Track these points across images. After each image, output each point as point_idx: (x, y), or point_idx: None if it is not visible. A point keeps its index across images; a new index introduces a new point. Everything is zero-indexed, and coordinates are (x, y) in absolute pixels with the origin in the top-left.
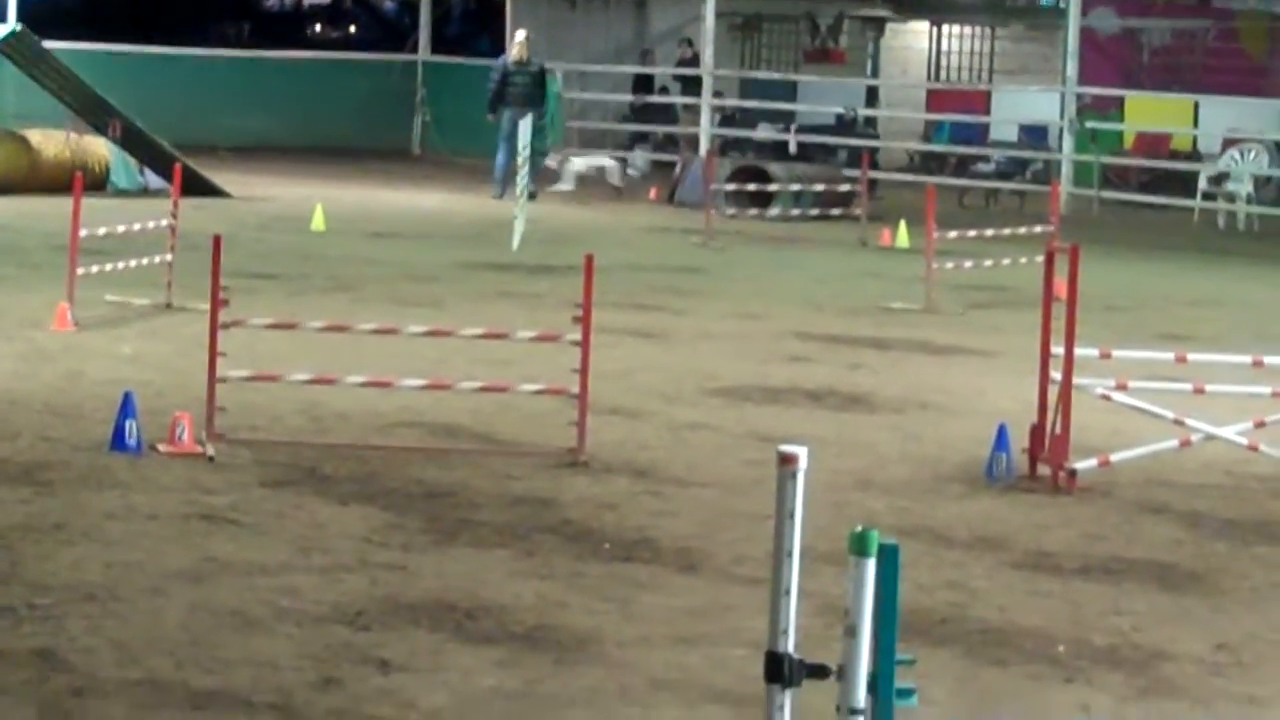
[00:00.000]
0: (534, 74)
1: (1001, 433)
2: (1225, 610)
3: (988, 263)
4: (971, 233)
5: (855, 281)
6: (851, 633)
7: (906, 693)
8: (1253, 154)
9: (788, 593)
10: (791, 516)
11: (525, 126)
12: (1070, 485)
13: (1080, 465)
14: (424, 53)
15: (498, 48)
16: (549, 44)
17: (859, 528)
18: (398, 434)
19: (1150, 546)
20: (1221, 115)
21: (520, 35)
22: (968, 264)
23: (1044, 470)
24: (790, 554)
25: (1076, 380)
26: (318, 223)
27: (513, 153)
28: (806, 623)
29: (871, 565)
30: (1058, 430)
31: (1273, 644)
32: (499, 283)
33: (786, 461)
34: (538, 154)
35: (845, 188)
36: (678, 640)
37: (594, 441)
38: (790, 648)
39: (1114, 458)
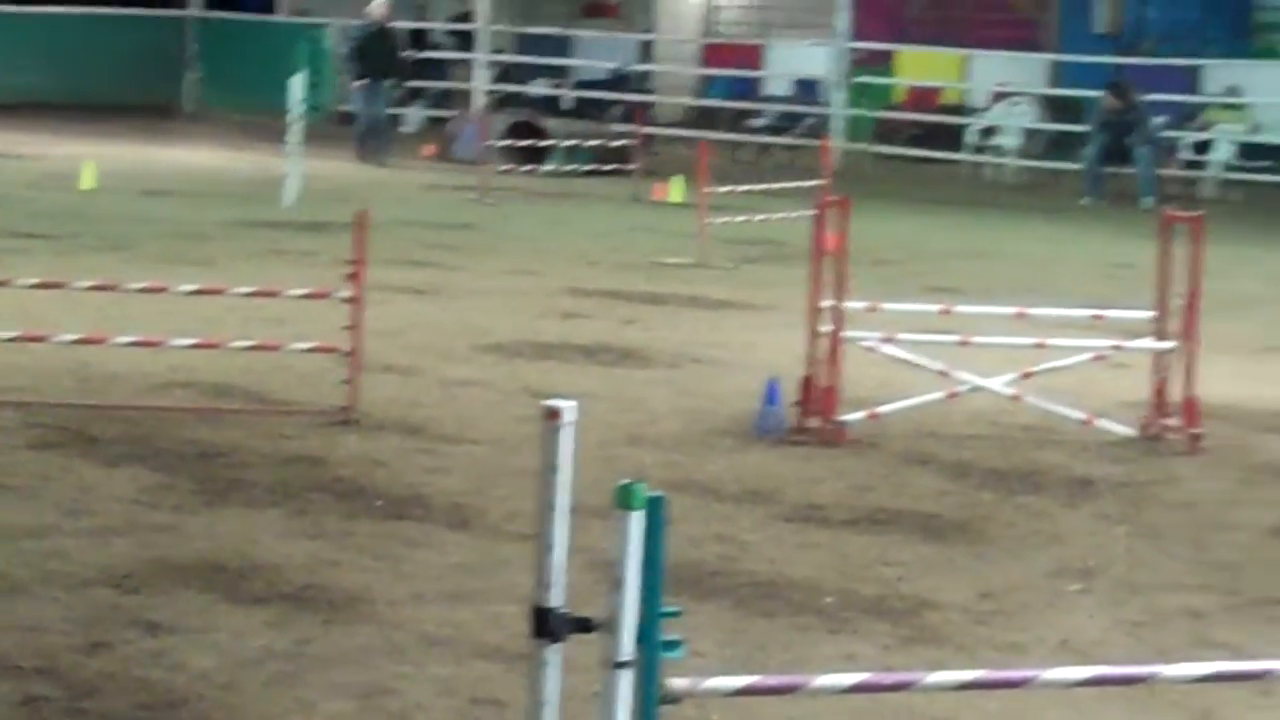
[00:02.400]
0: (394, 37)
1: (772, 386)
2: (989, 559)
3: (760, 217)
4: (744, 188)
5: (629, 237)
6: (618, 585)
7: (673, 644)
8: (1020, 107)
9: (553, 548)
10: (557, 471)
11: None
12: (839, 437)
13: (849, 418)
14: (195, 8)
15: (269, 3)
16: None
17: (625, 481)
18: (169, 394)
19: (917, 497)
20: (990, 69)
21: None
22: (740, 219)
23: (814, 423)
24: (555, 508)
25: (845, 333)
26: (88, 181)
27: (374, 115)
28: (577, 578)
29: (637, 518)
30: (827, 383)
31: (1035, 591)
32: (272, 240)
33: (552, 416)
34: (312, 110)
35: (620, 143)
36: (449, 597)
37: (366, 399)
38: (557, 602)
39: (882, 410)
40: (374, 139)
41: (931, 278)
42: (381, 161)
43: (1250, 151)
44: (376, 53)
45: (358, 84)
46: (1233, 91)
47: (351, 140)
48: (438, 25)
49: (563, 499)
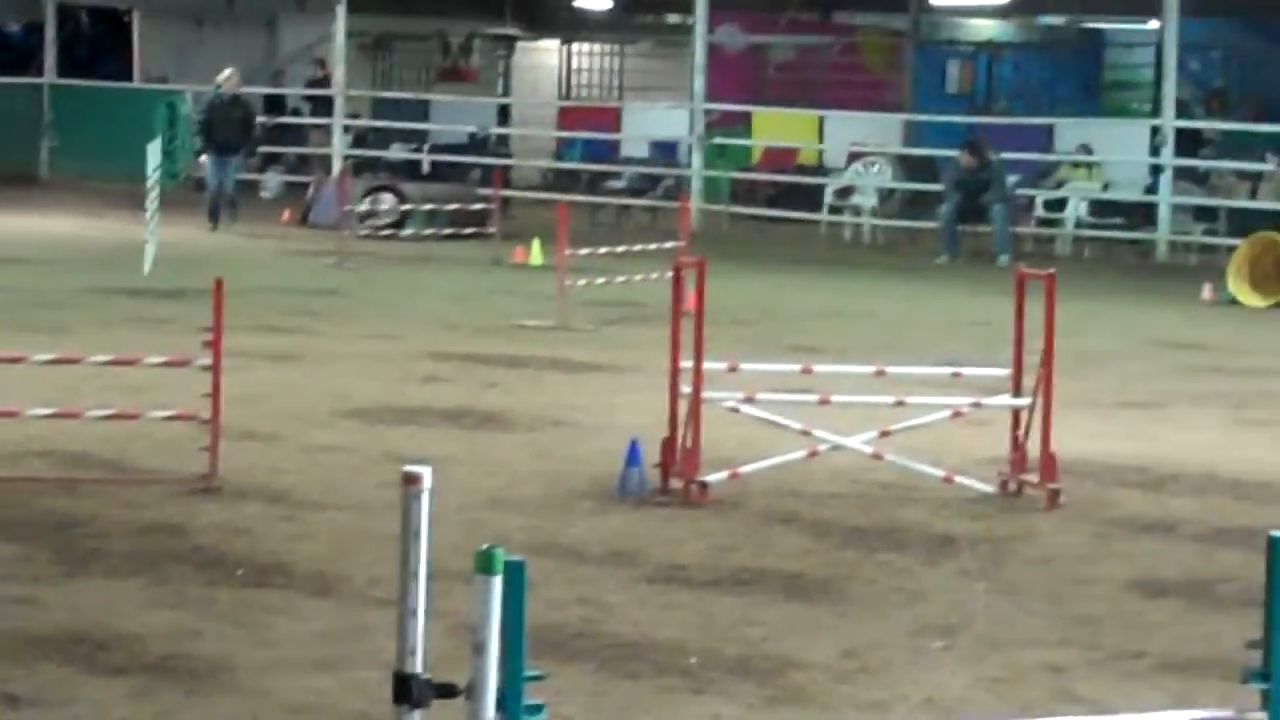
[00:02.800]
0: (245, 107)
1: (633, 448)
2: (852, 617)
3: (620, 279)
4: (604, 249)
5: (489, 300)
6: (479, 650)
7: (535, 709)
8: (876, 167)
9: (415, 613)
10: (417, 536)
11: (235, 163)
12: (701, 498)
13: (711, 478)
14: (50, 75)
15: (126, 70)
16: (177, 65)
17: (484, 546)
18: (26, 464)
19: (780, 556)
20: (846, 130)
21: (230, 70)
22: (600, 281)
23: (676, 484)
24: (416, 574)
25: (706, 394)
26: None
27: (222, 184)
28: (439, 643)
29: (497, 582)
30: (688, 444)
31: (898, 649)
32: (130, 308)
33: (411, 481)
34: (168, 177)
35: (478, 206)
36: (312, 665)
37: (227, 467)
38: (418, 668)
39: (744, 470)
40: (224, 208)
41: (791, 337)
42: (231, 222)
43: (1102, 208)
44: (225, 123)
45: (206, 154)
46: (1085, 150)
47: (206, 211)
48: (295, 91)
49: (423, 565)
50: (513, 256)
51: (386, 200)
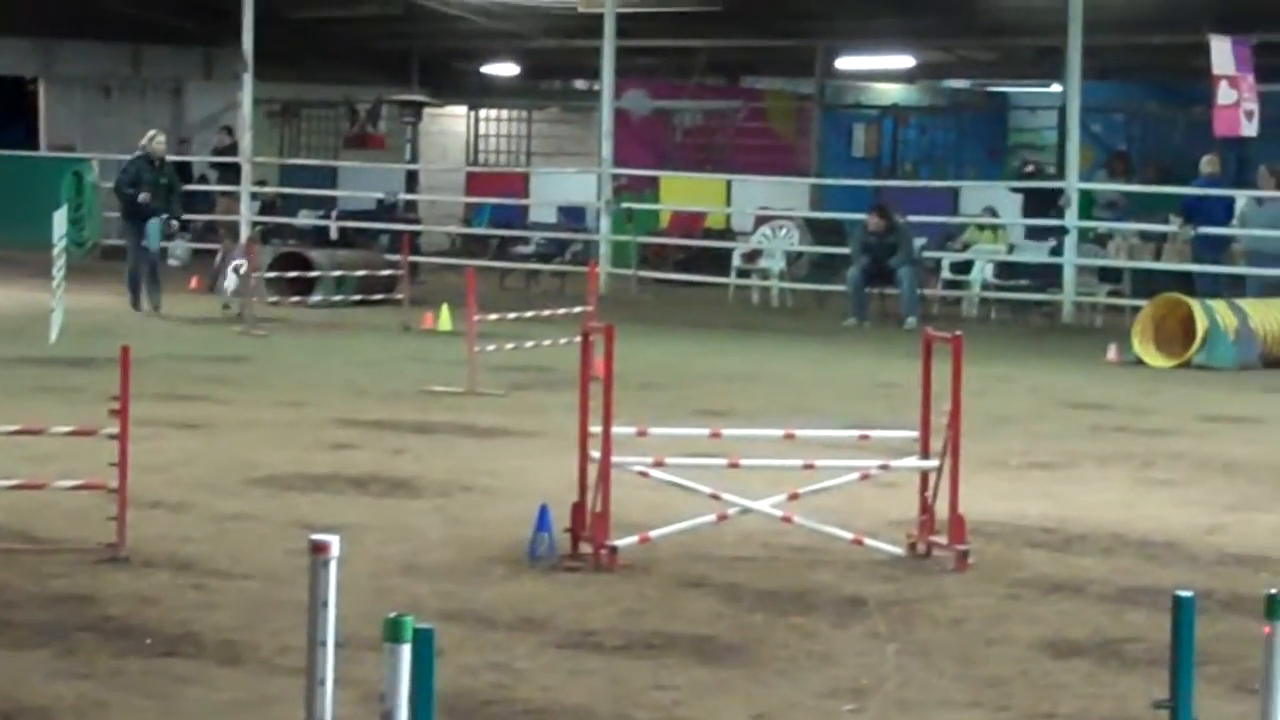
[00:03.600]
0: (169, 171)
1: (543, 513)
2: (763, 680)
3: (529, 344)
4: (512, 315)
5: (398, 366)
6: (388, 718)
7: None
8: (784, 231)
9: (323, 682)
10: (325, 605)
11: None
12: (612, 563)
13: (621, 543)
14: None
15: (32, 137)
16: (85, 133)
17: (393, 614)
18: None
19: (691, 620)
20: (753, 193)
21: (155, 131)
22: (509, 345)
23: (586, 549)
24: (324, 643)
25: (615, 459)
26: None
27: (141, 255)
28: (350, 710)
29: (406, 650)
30: (598, 509)
31: (808, 712)
32: (36, 377)
33: (318, 550)
34: (75, 245)
35: (387, 272)
36: None
37: (135, 536)
38: None
39: (653, 534)
40: (145, 282)
41: (700, 401)
42: (155, 304)
43: (1008, 270)
44: (151, 187)
45: (127, 221)
46: (990, 212)
47: (125, 281)
48: (202, 158)
49: (331, 633)
50: (422, 322)
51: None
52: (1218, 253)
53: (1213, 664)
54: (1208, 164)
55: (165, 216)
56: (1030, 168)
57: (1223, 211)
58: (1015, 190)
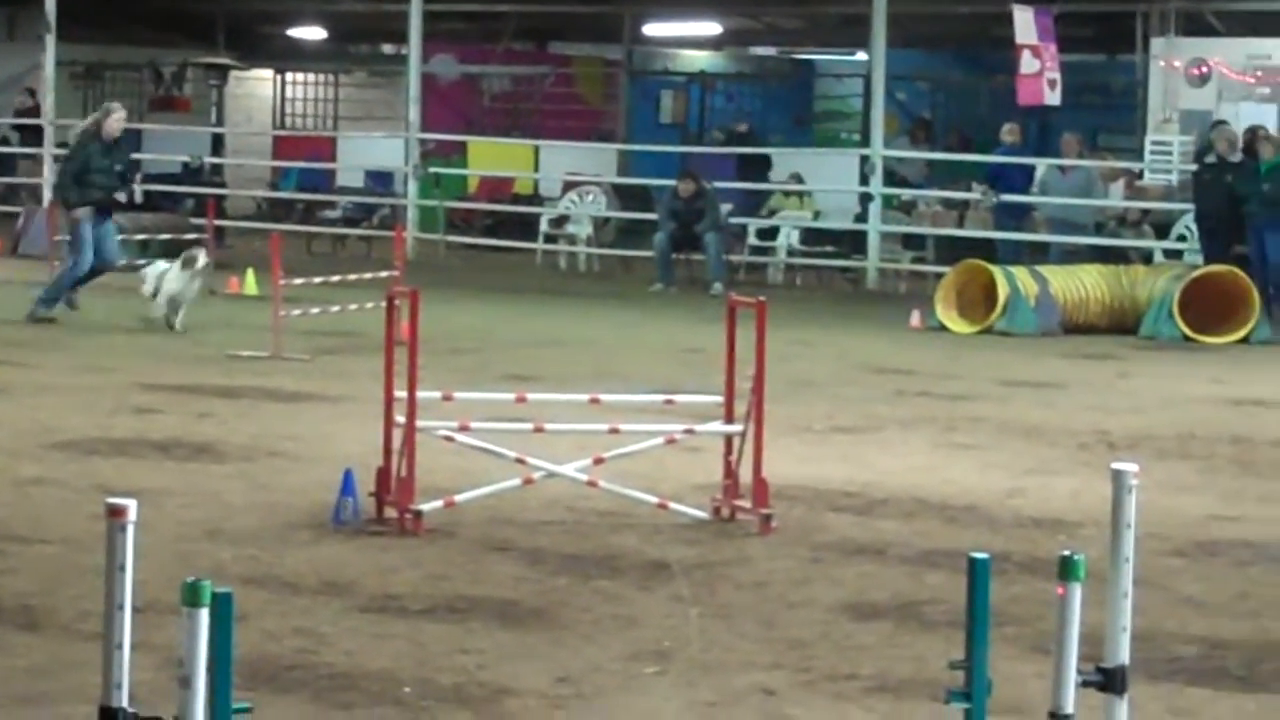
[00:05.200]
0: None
1: (348, 477)
2: (567, 644)
3: (335, 309)
4: (319, 279)
5: (203, 330)
6: (186, 683)
7: None
8: (591, 197)
9: (120, 646)
10: (122, 570)
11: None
12: (416, 527)
13: (425, 507)
14: None
15: None
16: None
17: (191, 578)
18: None
19: (495, 584)
20: (561, 159)
21: (117, 107)
22: (315, 310)
23: (391, 513)
24: (122, 607)
25: (420, 423)
26: None
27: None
28: (150, 675)
29: (204, 615)
30: (403, 473)
31: (611, 675)
32: None
33: (115, 514)
34: None
35: (192, 236)
36: (18, 700)
37: None
38: (124, 702)
39: (459, 498)
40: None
41: (507, 366)
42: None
43: (814, 237)
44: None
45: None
46: (796, 179)
47: None
48: (3, 120)
49: (128, 598)
50: (227, 286)
51: None
52: (1020, 220)
53: (1010, 625)
54: (1009, 133)
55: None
56: (744, 128)
57: (1025, 180)
58: (723, 156)
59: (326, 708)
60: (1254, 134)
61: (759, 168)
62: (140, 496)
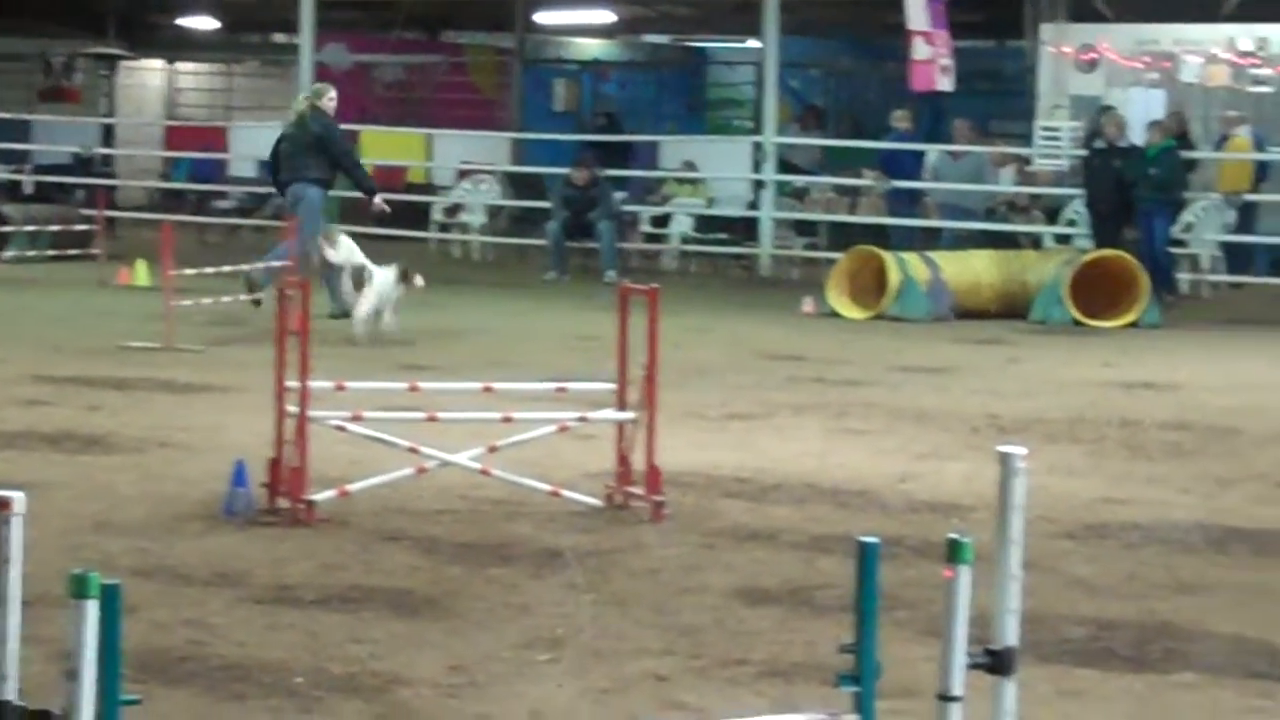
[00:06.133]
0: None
1: (239, 468)
2: (460, 633)
3: (227, 299)
4: (211, 270)
5: (94, 321)
6: (73, 676)
7: None
8: (484, 185)
9: (5, 640)
10: (7, 562)
11: None
12: (309, 517)
13: (318, 497)
14: None
15: None
16: None
17: (78, 570)
18: None
19: (388, 574)
20: (454, 148)
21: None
22: (207, 301)
23: (283, 504)
24: (8, 601)
25: (313, 413)
26: None
27: None
28: (38, 669)
29: (92, 606)
30: (295, 463)
31: (505, 663)
32: None
33: (1, 507)
34: None
35: (83, 227)
36: None
37: None
38: (11, 695)
39: (351, 488)
40: None
41: (400, 356)
42: None
43: (707, 224)
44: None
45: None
46: (689, 166)
47: None
48: None
49: (15, 591)
50: (118, 278)
51: None
52: (912, 206)
53: (902, 609)
54: (900, 119)
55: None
56: (607, 114)
57: (916, 166)
58: (592, 143)
59: (218, 699)
60: (1104, 114)
61: (620, 154)
62: (29, 489)
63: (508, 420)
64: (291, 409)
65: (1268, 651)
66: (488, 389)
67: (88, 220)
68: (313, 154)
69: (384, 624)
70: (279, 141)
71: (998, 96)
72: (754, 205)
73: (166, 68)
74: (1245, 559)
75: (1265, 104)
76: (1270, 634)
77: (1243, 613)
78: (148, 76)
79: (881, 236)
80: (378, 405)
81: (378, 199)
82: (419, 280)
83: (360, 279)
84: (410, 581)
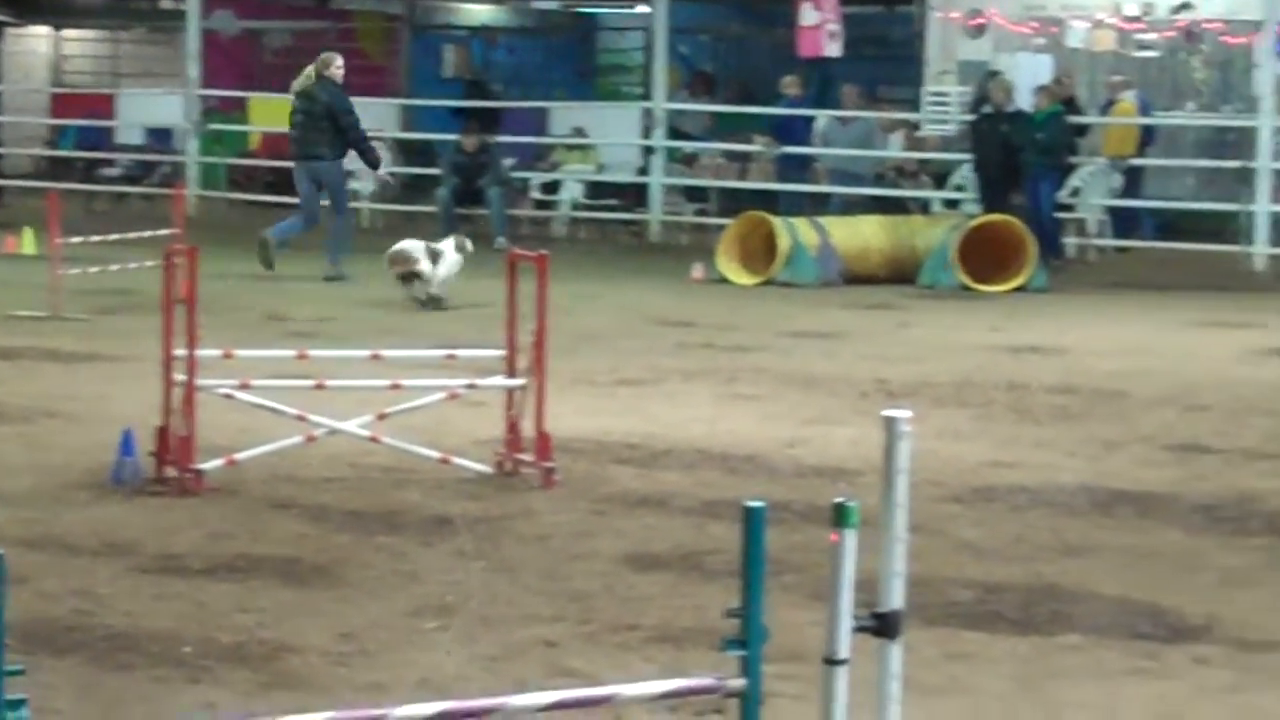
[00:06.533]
0: None
1: (127, 437)
2: (349, 600)
3: (114, 267)
4: (98, 238)
5: None
6: None
7: (17, 704)
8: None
9: None
10: None
11: None
12: (197, 486)
13: (206, 466)
14: None
15: None
16: None
17: None
18: None
19: (277, 542)
20: None
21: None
22: (95, 269)
23: (171, 473)
24: None
25: (200, 381)
26: None
27: None
28: None
29: None
30: (183, 432)
31: (394, 631)
32: None
33: None
34: None
35: None
36: None
37: None
38: None
39: (240, 457)
40: None
41: (288, 324)
42: None
43: (597, 190)
44: None
45: None
46: (579, 133)
47: None
48: None
49: None
50: (4, 246)
51: None
52: (801, 172)
53: (790, 573)
54: (790, 85)
55: None
56: (472, 77)
57: (806, 131)
58: (456, 110)
59: (105, 669)
60: (991, 79)
61: (492, 120)
62: None
63: (396, 387)
64: (179, 377)
65: (1152, 613)
66: (376, 356)
67: None
68: (326, 125)
69: (272, 593)
70: (293, 114)
71: (886, 62)
72: (644, 171)
73: (53, 34)
74: (1130, 521)
75: (1150, 68)
76: (1155, 595)
77: (1128, 574)
78: (34, 43)
79: (771, 202)
80: (266, 373)
81: (381, 170)
82: (468, 245)
83: (435, 255)
84: (299, 550)
